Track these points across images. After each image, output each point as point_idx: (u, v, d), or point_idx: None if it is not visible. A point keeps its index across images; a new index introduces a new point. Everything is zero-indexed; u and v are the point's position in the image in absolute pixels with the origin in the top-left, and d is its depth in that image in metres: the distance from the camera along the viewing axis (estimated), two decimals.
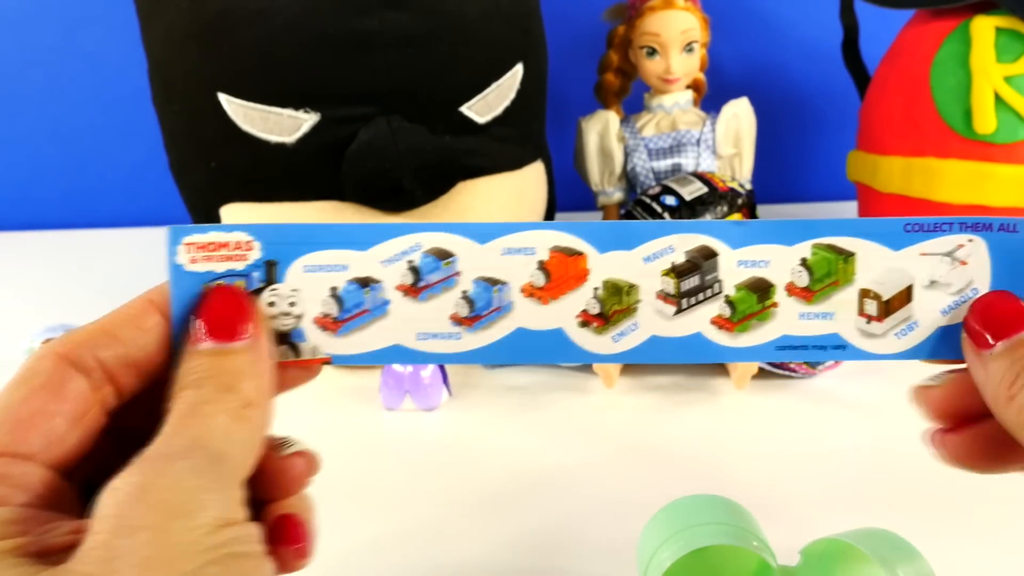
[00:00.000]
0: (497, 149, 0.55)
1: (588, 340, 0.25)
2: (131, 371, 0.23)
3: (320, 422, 0.50)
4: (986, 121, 0.58)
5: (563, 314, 0.25)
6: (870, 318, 0.24)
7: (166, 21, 0.53)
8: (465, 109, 0.53)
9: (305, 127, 0.50)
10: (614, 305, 0.24)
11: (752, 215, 0.62)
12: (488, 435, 0.48)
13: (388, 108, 0.51)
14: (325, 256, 0.24)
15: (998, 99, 0.58)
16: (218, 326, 0.22)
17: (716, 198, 0.59)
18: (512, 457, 0.45)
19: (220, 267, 0.24)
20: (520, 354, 0.25)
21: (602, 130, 0.66)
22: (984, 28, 0.59)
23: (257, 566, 0.20)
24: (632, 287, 0.24)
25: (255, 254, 0.24)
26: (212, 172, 0.54)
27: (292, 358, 0.25)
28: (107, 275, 0.77)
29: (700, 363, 0.26)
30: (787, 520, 0.35)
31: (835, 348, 0.25)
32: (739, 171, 0.68)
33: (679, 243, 0.24)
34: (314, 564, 0.36)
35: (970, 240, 0.24)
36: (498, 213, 0.55)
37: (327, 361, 0.25)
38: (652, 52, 0.65)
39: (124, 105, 0.94)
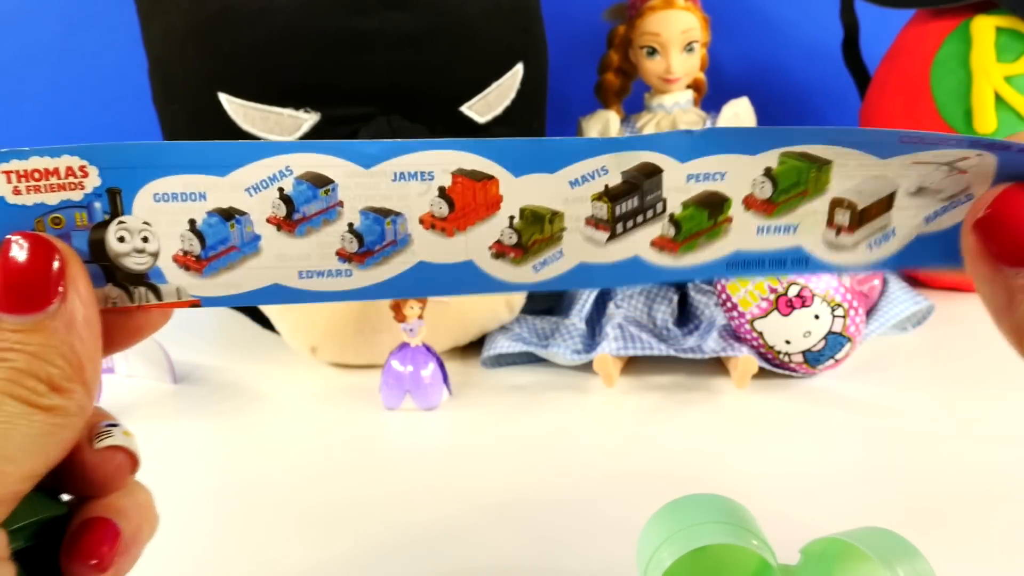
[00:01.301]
0: None
1: (504, 271, 0.21)
2: None
3: (320, 422, 0.50)
4: (986, 120, 0.58)
5: (472, 246, 0.21)
6: (840, 229, 0.21)
7: (166, 21, 0.53)
8: (465, 109, 0.53)
9: (305, 127, 0.50)
10: (534, 235, 0.21)
11: None
12: (488, 435, 0.48)
13: (388, 108, 0.51)
14: (177, 182, 0.20)
15: (998, 99, 0.58)
16: (15, 294, 0.19)
17: None
18: (512, 456, 0.45)
19: (52, 198, 0.20)
20: (424, 287, 0.21)
21: (602, 130, 0.67)
22: (984, 28, 0.59)
23: None
24: (556, 215, 0.21)
25: (93, 181, 0.20)
26: None
27: (154, 301, 0.21)
28: None
29: (635, 285, 0.22)
30: (787, 519, 0.35)
31: (795, 262, 0.22)
32: None
33: (614, 163, 0.21)
34: (314, 564, 0.36)
35: (979, 155, 0.20)
36: None
37: (196, 304, 0.21)
38: (652, 52, 0.65)
39: (124, 105, 0.94)
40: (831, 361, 0.52)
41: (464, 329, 0.57)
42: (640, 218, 0.21)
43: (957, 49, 0.60)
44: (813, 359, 0.52)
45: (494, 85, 0.54)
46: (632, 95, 0.72)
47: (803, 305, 0.50)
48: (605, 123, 0.67)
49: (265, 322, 0.60)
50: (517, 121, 0.57)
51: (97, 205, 0.20)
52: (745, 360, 0.51)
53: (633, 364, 0.56)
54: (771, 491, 0.41)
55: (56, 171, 0.20)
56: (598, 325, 0.58)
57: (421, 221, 0.21)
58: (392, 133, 0.50)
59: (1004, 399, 0.50)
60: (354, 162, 0.20)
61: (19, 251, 0.19)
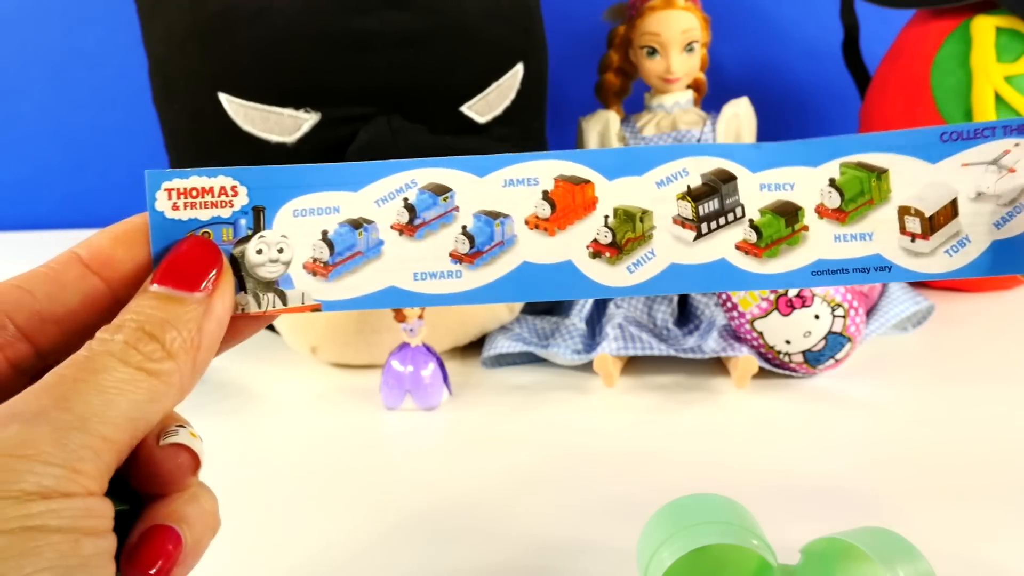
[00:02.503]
0: (497, 149, 0.55)
1: (601, 272, 0.23)
2: (50, 327, 0.22)
3: (320, 422, 0.50)
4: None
5: (572, 245, 0.23)
6: (914, 236, 0.22)
7: (167, 21, 0.53)
8: (465, 109, 0.53)
9: (305, 127, 0.50)
10: (627, 233, 0.23)
11: None
12: (488, 434, 0.48)
13: (388, 108, 0.51)
14: (315, 199, 0.23)
15: (998, 99, 0.58)
16: (176, 273, 0.21)
17: None
18: (512, 456, 0.45)
19: (204, 214, 0.22)
20: (527, 290, 0.23)
21: (603, 130, 0.66)
22: (984, 28, 0.59)
23: (62, 542, 0.17)
24: (646, 213, 0.23)
25: (241, 200, 0.23)
26: None
27: (280, 306, 0.23)
28: None
29: (726, 290, 0.23)
30: (787, 519, 0.35)
31: (879, 270, 0.23)
32: None
33: (693, 166, 0.23)
34: (314, 563, 0.36)
35: (1016, 144, 0.21)
36: None
37: (317, 308, 0.23)
38: (652, 52, 0.65)
39: (124, 105, 0.94)
40: (831, 361, 0.52)
41: (464, 329, 0.57)
42: (722, 220, 0.23)
43: (957, 49, 0.60)
44: (813, 359, 0.52)
45: (494, 85, 0.54)
46: (632, 95, 0.71)
47: (803, 305, 0.50)
48: (605, 123, 0.66)
49: None
50: (517, 121, 0.57)
51: (242, 221, 0.23)
52: (745, 360, 0.51)
53: (633, 364, 0.56)
54: (771, 491, 0.41)
55: (211, 190, 0.22)
56: (598, 325, 0.58)
57: (526, 222, 0.23)
58: (392, 133, 0.50)
59: (1004, 399, 0.50)
60: (471, 172, 0.23)
61: (194, 246, 0.22)
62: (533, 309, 0.61)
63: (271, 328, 0.61)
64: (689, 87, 0.67)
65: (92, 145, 0.96)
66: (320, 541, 0.38)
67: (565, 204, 0.23)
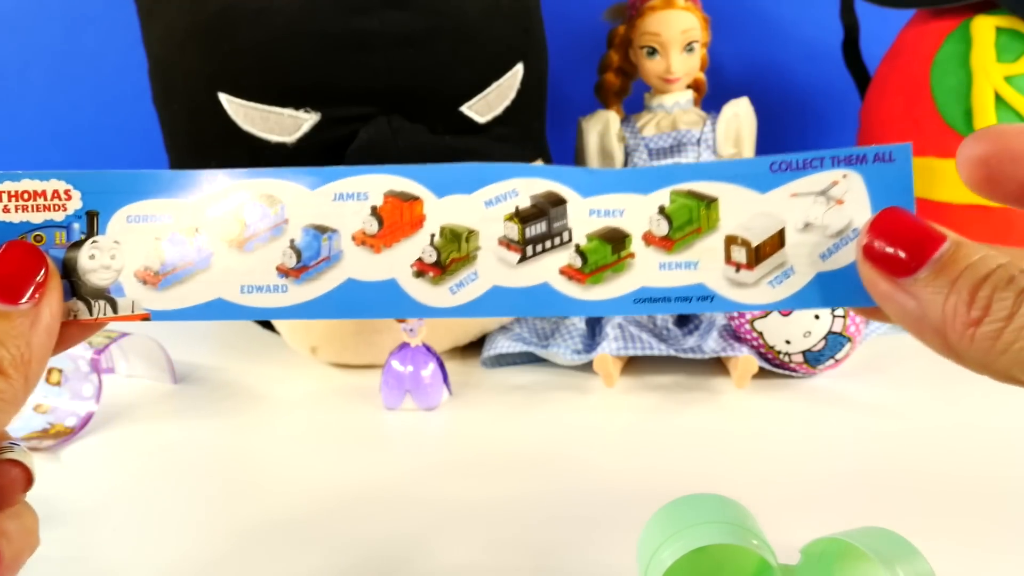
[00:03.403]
0: (497, 149, 0.55)
1: (423, 292, 0.22)
2: None
3: (320, 422, 0.50)
4: (986, 121, 0.58)
5: (396, 263, 0.22)
6: (739, 266, 0.22)
7: (166, 21, 0.53)
8: (465, 109, 0.53)
9: (305, 127, 0.50)
10: (452, 253, 0.22)
11: None
12: (488, 434, 0.48)
13: (388, 108, 0.51)
14: (149, 206, 0.23)
15: (998, 99, 0.58)
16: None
17: None
18: (512, 456, 0.45)
19: (37, 217, 0.22)
20: (350, 308, 0.23)
21: (602, 130, 0.66)
22: (984, 28, 0.59)
23: None
24: (472, 233, 0.22)
25: (75, 204, 0.22)
26: None
27: (110, 314, 0.23)
28: None
29: (546, 316, 0.23)
30: (787, 519, 0.35)
31: (701, 299, 0.23)
32: None
33: (524, 187, 0.22)
34: (313, 563, 0.36)
35: (844, 176, 0.21)
36: None
37: (146, 317, 0.23)
38: (652, 52, 0.65)
39: (124, 105, 0.94)
40: (831, 361, 0.52)
41: (464, 329, 0.57)
42: (548, 243, 0.22)
43: (957, 49, 0.60)
44: (813, 359, 0.52)
45: (494, 85, 0.54)
46: (632, 95, 0.71)
47: None
48: (605, 123, 0.66)
49: (265, 322, 0.60)
50: (517, 121, 0.57)
51: (76, 226, 0.22)
52: (745, 360, 0.51)
53: (633, 364, 0.56)
54: (771, 491, 0.41)
55: (43, 193, 0.22)
56: (598, 325, 0.58)
57: (353, 238, 0.23)
58: (392, 133, 0.50)
59: (1004, 399, 0.50)
60: (303, 184, 0.22)
61: (14, 252, 0.22)
62: None
63: (271, 328, 0.61)
64: (689, 87, 0.67)
65: (92, 145, 0.96)
66: (319, 540, 0.38)
67: (393, 220, 0.22)
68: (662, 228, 0.22)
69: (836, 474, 0.42)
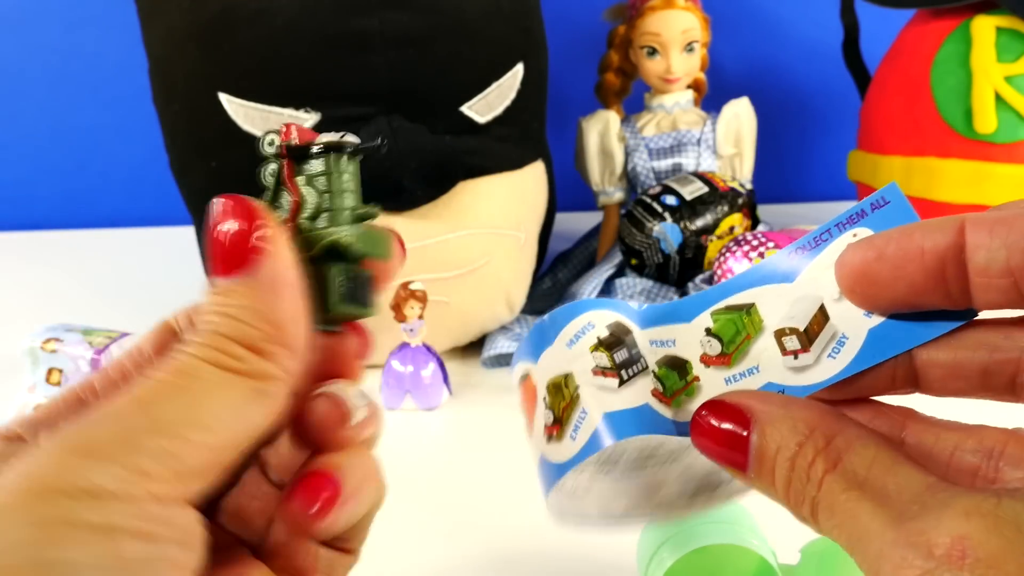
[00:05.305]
0: (497, 149, 0.55)
1: (554, 452, 0.22)
2: None
3: None
4: (986, 121, 0.58)
5: (537, 441, 0.23)
6: (796, 353, 0.22)
7: (166, 21, 0.53)
8: (465, 109, 0.53)
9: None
10: (560, 403, 0.22)
11: (752, 215, 0.62)
12: (489, 434, 0.48)
13: (388, 108, 0.51)
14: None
15: (998, 99, 0.58)
16: (221, 254, 0.19)
17: (716, 198, 0.59)
18: (513, 456, 0.45)
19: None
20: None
21: (603, 130, 0.67)
22: (984, 28, 0.59)
23: (96, 541, 0.16)
24: (568, 376, 0.22)
25: None
26: (212, 172, 0.54)
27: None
28: (107, 275, 0.77)
29: (657, 435, 0.22)
30: (787, 519, 0.35)
31: None
32: (740, 171, 0.68)
33: (597, 319, 0.23)
34: None
35: (855, 235, 0.21)
36: (498, 213, 0.55)
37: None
38: (652, 52, 0.65)
39: (124, 105, 0.94)
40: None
41: (464, 329, 0.57)
42: (635, 368, 0.22)
43: (957, 49, 0.60)
44: None
45: (494, 85, 0.54)
46: (632, 95, 0.72)
47: None
48: (605, 123, 0.67)
49: None
50: (517, 121, 0.57)
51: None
52: None
53: None
54: None
55: None
56: None
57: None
58: (392, 133, 0.50)
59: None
60: None
61: (223, 212, 0.19)
62: (533, 309, 0.61)
63: None
64: (689, 87, 0.67)
65: (92, 145, 0.96)
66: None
67: (528, 408, 0.23)
68: (715, 347, 0.23)
69: None
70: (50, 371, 0.50)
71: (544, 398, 0.23)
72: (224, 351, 0.18)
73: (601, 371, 0.22)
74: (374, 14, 0.49)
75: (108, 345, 0.50)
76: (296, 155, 0.22)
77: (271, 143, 0.22)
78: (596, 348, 0.22)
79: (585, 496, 0.24)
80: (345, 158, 0.22)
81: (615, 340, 0.22)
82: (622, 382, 0.22)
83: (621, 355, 0.22)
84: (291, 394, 0.20)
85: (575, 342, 0.22)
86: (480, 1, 0.53)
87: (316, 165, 0.22)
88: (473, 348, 0.59)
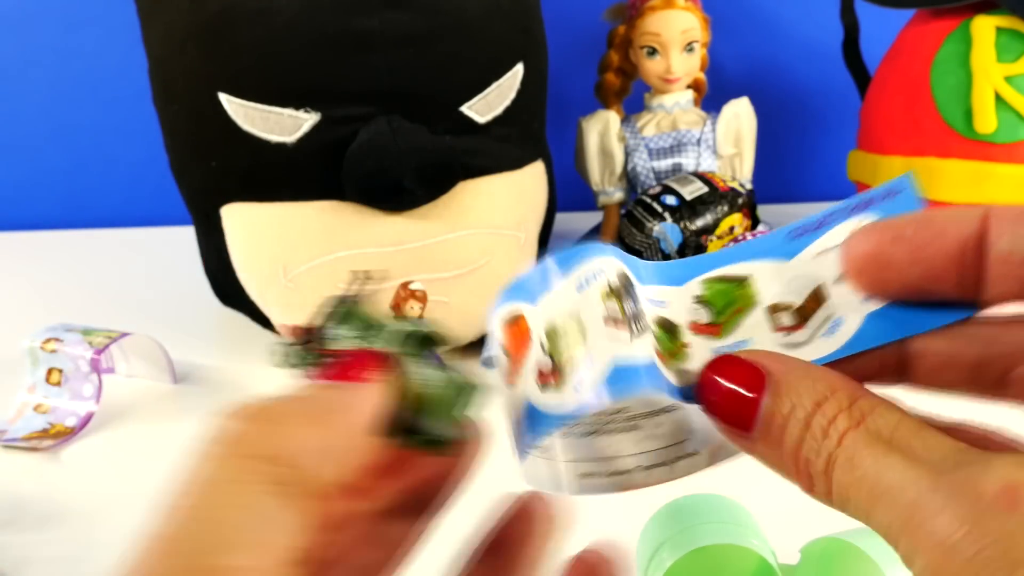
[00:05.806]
0: (497, 149, 0.55)
1: (555, 401, 0.20)
2: None
3: None
4: (987, 121, 0.58)
5: (527, 387, 0.21)
6: (789, 329, 0.21)
7: (166, 21, 0.53)
8: (465, 109, 0.53)
9: (305, 127, 0.50)
10: (563, 349, 0.21)
11: (752, 215, 0.62)
12: (487, 434, 0.48)
13: (388, 108, 0.51)
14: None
15: (998, 99, 0.58)
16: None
17: (716, 197, 0.59)
18: (512, 456, 0.45)
19: None
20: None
21: (603, 130, 0.67)
22: (984, 28, 0.59)
23: None
24: (577, 322, 0.21)
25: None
26: (212, 172, 0.54)
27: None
28: (107, 275, 0.77)
29: (666, 396, 0.20)
30: (787, 519, 0.35)
31: None
32: (740, 171, 0.68)
33: (607, 266, 0.21)
34: None
35: (860, 222, 0.21)
36: (498, 213, 0.55)
37: None
38: (652, 52, 0.65)
39: (124, 105, 0.94)
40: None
41: (464, 329, 0.57)
42: (642, 323, 0.21)
43: (957, 49, 0.60)
44: None
45: (494, 85, 0.54)
46: (632, 95, 0.72)
47: None
48: (605, 123, 0.67)
49: (265, 322, 0.60)
50: (517, 121, 0.57)
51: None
52: None
53: None
54: (771, 491, 0.41)
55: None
56: None
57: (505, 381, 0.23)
58: (392, 133, 0.50)
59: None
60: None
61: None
62: None
63: (271, 328, 0.61)
64: (689, 87, 0.67)
65: (92, 145, 0.96)
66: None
67: (514, 348, 0.22)
68: (704, 316, 0.22)
69: None
70: (50, 371, 0.50)
71: (542, 343, 0.21)
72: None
73: (612, 321, 0.20)
74: (374, 14, 0.49)
75: (108, 345, 0.50)
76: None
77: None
78: (608, 295, 0.21)
79: (551, 453, 0.25)
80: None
81: (625, 291, 0.21)
82: (633, 335, 0.21)
83: (630, 307, 0.21)
84: None
85: (585, 286, 0.21)
86: (480, 1, 0.53)
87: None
88: (473, 348, 0.59)
